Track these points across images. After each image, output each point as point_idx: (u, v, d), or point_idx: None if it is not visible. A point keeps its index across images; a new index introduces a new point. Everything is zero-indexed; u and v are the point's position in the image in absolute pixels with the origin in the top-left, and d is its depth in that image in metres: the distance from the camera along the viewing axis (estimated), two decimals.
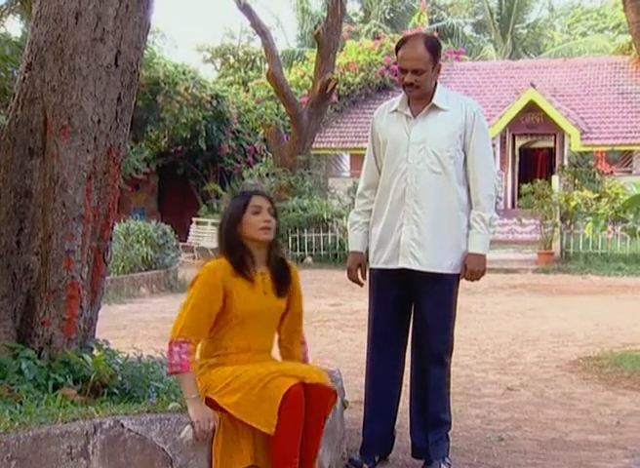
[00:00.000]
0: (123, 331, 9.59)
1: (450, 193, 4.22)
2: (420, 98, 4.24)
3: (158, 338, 9.14)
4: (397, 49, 4.24)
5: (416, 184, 4.19)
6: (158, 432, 3.30)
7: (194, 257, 20.23)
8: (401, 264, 4.22)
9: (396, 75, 26.22)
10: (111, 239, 4.39)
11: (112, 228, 4.36)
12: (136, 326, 10.39)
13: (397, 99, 4.37)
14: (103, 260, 4.33)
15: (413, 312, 4.40)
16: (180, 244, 17.65)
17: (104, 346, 4.27)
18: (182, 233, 20.16)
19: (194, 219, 22.03)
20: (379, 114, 4.44)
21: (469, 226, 4.27)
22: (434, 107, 4.24)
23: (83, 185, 4.09)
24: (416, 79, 4.14)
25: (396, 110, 4.32)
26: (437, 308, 4.28)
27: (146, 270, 14.60)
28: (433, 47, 4.20)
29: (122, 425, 3.24)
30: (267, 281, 3.61)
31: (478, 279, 4.32)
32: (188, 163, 25.45)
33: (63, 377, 3.90)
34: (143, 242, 14.66)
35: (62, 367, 3.96)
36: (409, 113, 4.27)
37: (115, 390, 3.94)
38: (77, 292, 4.09)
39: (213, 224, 20.79)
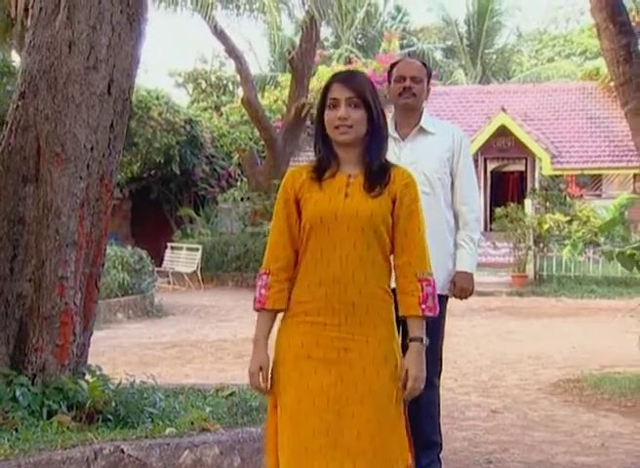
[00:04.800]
0: (102, 358, 9.49)
1: (439, 214, 4.30)
2: (411, 115, 4.33)
3: (138, 364, 9.11)
4: (392, 67, 4.39)
5: None
6: (158, 457, 3.32)
7: (169, 282, 20.17)
8: (394, 284, 4.25)
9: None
10: (103, 265, 4.41)
11: (104, 254, 4.38)
12: (114, 352, 10.33)
13: None
14: (95, 286, 4.35)
15: (401, 336, 4.43)
16: (155, 269, 17.58)
17: (97, 372, 4.27)
18: (157, 258, 20.08)
19: (169, 244, 21.94)
20: None
21: (456, 246, 4.36)
22: (422, 130, 4.34)
23: (76, 212, 4.12)
24: (413, 86, 4.25)
25: None
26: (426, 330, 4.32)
27: (123, 296, 14.51)
28: (427, 66, 4.44)
29: (122, 451, 3.26)
30: (357, 183, 2.88)
31: (467, 297, 4.42)
32: (162, 187, 25.38)
33: (57, 404, 3.90)
34: (120, 267, 14.59)
35: (56, 393, 3.96)
36: (397, 136, 4.35)
37: (109, 416, 3.94)
38: (70, 319, 4.10)
39: (188, 249, 20.76)
